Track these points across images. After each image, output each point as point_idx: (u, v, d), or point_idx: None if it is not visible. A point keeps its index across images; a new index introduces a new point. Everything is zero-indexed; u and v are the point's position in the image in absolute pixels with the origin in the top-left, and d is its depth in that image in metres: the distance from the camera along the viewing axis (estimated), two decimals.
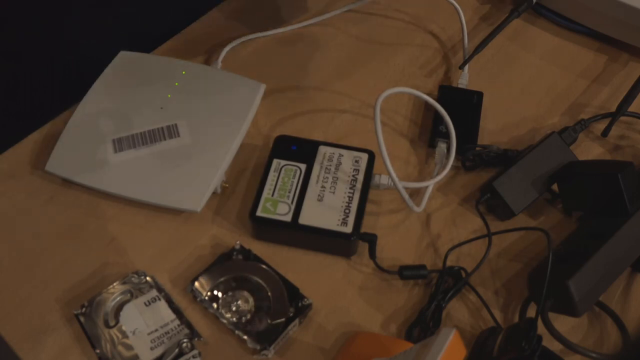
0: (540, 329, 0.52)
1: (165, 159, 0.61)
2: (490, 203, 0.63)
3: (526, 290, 0.59)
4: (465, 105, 0.70)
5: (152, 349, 0.52)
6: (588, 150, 0.70)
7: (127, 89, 0.66)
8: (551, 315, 0.55)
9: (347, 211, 0.59)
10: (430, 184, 0.63)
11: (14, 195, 0.62)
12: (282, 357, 0.54)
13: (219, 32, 0.77)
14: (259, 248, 0.59)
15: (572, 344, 0.53)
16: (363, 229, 0.59)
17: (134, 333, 0.53)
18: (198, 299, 0.56)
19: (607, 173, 0.59)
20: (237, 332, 0.54)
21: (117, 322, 0.53)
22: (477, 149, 0.66)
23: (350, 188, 0.60)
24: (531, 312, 0.56)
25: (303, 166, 0.62)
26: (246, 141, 0.67)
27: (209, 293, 0.55)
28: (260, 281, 0.56)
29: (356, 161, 0.62)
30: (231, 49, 0.75)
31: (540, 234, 0.60)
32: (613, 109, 0.71)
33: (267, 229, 0.59)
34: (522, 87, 0.75)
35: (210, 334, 0.55)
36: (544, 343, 0.52)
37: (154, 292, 0.55)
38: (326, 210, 0.58)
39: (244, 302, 0.55)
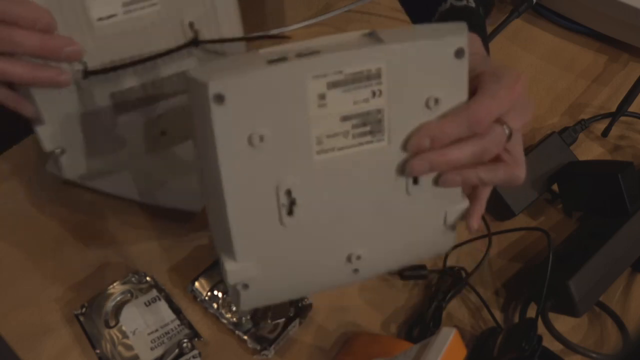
0: (541, 329, 0.52)
1: (165, 160, 0.61)
2: (490, 203, 0.63)
3: (526, 290, 0.59)
4: None
5: (152, 349, 0.52)
6: (588, 150, 0.70)
7: None
8: (551, 315, 0.55)
9: None
10: None
11: (14, 195, 0.62)
12: (282, 357, 0.54)
13: None
14: None
15: (572, 344, 0.53)
16: None
17: (134, 333, 0.53)
18: (198, 299, 0.56)
19: (607, 173, 0.59)
20: (237, 332, 0.54)
21: (117, 322, 0.53)
22: None
23: None
24: (531, 312, 0.56)
25: None
26: None
27: (209, 293, 0.55)
28: None
29: None
30: None
31: (540, 234, 0.60)
32: (613, 109, 0.71)
33: None
34: None
35: (210, 334, 0.55)
36: (544, 343, 0.52)
37: (154, 292, 0.55)
38: None
39: None
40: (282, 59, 0.37)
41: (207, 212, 0.44)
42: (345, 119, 0.40)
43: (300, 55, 0.37)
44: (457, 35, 0.40)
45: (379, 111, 0.40)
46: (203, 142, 0.39)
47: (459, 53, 0.40)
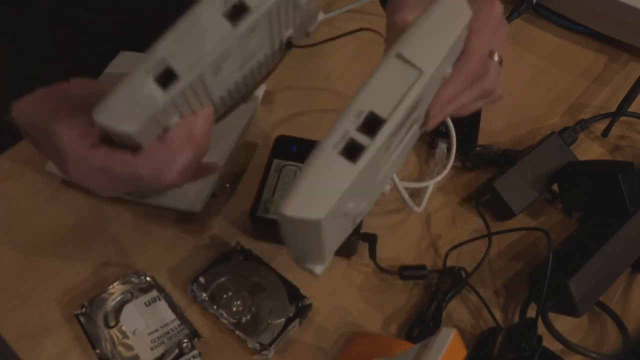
0: (541, 329, 0.52)
1: None
2: (490, 203, 0.63)
3: (526, 290, 0.59)
4: None
5: (152, 349, 0.52)
6: (588, 150, 0.70)
7: None
8: (551, 315, 0.55)
9: None
10: (430, 184, 0.63)
11: (14, 195, 0.62)
12: (282, 357, 0.54)
13: None
14: (259, 248, 0.59)
15: (572, 344, 0.53)
16: (363, 229, 0.59)
17: (134, 333, 0.53)
18: (198, 299, 0.56)
19: (607, 173, 0.59)
20: (237, 332, 0.54)
21: (117, 322, 0.53)
22: (477, 149, 0.66)
23: None
24: (531, 312, 0.56)
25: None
26: (247, 141, 0.67)
27: (209, 293, 0.55)
28: (260, 281, 0.56)
29: None
30: None
31: (540, 234, 0.60)
32: (613, 109, 0.71)
33: (267, 229, 0.59)
34: (522, 87, 0.75)
35: (210, 334, 0.55)
36: (544, 343, 0.52)
37: (154, 292, 0.55)
38: None
39: (244, 302, 0.55)
40: (354, 146, 0.37)
41: (285, 240, 0.44)
42: (401, 142, 0.42)
43: (363, 129, 0.37)
44: (464, 11, 0.41)
45: (419, 117, 0.43)
46: (303, 235, 0.39)
47: (467, 26, 0.42)
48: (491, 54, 0.46)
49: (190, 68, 0.38)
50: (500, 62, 0.47)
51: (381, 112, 0.37)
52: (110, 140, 0.41)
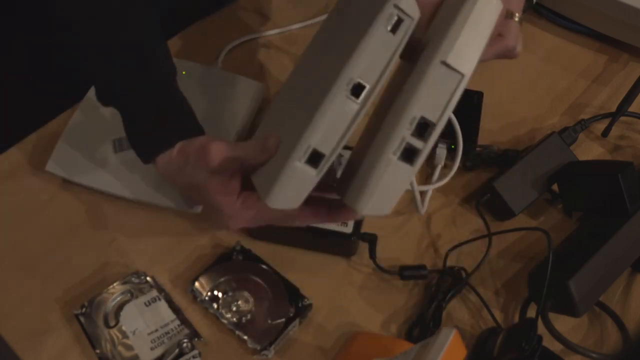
0: (541, 329, 0.52)
1: None
2: (490, 203, 0.63)
3: (526, 290, 0.59)
4: (465, 106, 0.70)
5: (152, 349, 0.52)
6: (588, 150, 0.70)
7: None
8: (551, 315, 0.55)
9: None
10: (434, 187, 0.64)
11: (14, 195, 0.62)
12: (282, 357, 0.54)
13: (219, 32, 0.77)
14: (259, 248, 0.59)
15: (572, 344, 0.53)
16: (363, 229, 0.59)
17: (134, 333, 0.53)
18: (198, 299, 0.56)
19: (607, 173, 0.59)
20: (237, 332, 0.54)
21: (117, 322, 0.53)
22: (477, 149, 0.66)
23: None
24: (531, 312, 0.56)
25: None
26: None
27: (209, 293, 0.55)
28: (260, 281, 0.56)
29: None
30: (231, 49, 0.75)
31: (540, 234, 0.60)
32: (613, 109, 0.71)
33: (267, 229, 0.59)
34: (522, 87, 0.75)
35: (210, 334, 0.55)
36: (544, 343, 0.52)
37: (154, 292, 0.55)
38: None
39: (244, 302, 0.55)
40: (411, 150, 0.42)
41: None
42: None
43: (416, 134, 0.42)
44: (497, 5, 0.43)
45: None
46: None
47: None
48: (512, 14, 0.48)
49: (333, 147, 0.43)
50: (520, 22, 0.50)
51: (431, 117, 0.42)
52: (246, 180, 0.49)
